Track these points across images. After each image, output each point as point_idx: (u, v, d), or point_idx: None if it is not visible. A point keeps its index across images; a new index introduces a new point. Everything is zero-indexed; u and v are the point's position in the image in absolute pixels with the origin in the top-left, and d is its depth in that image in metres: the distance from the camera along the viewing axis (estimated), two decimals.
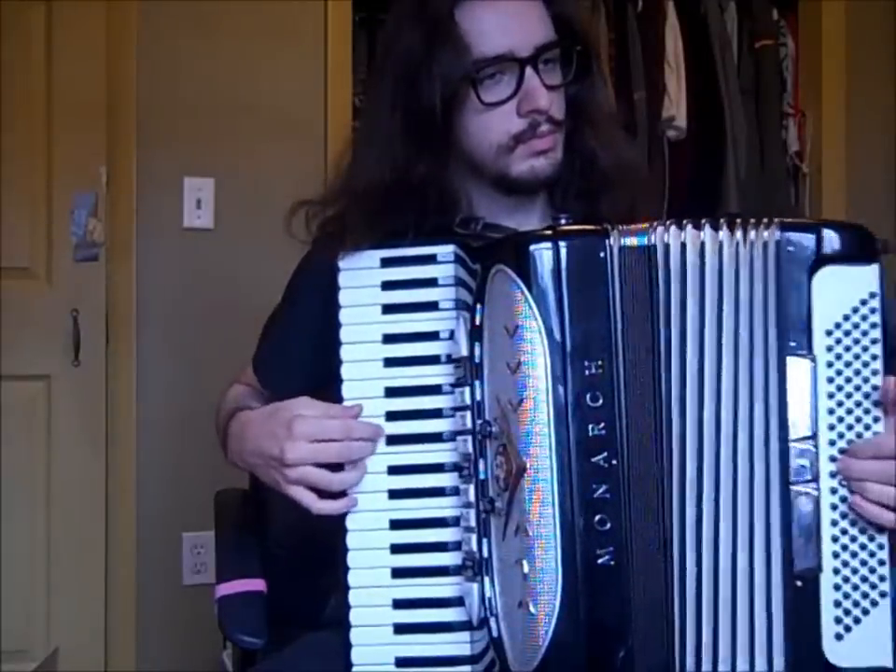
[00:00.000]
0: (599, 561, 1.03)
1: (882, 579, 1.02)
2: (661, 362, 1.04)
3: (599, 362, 1.03)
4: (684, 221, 1.05)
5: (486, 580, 1.08)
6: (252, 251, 2.57)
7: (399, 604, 1.11)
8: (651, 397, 1.04)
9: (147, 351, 2.64)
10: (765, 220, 1.04)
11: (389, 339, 1.14)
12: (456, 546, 1.11)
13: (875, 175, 3.23)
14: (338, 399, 1.14)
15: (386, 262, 1.15)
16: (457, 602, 1.10)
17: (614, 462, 1.03)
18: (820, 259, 1.03)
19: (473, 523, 1.09)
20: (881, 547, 1.02)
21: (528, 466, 1.03)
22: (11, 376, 2.52)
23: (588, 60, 1.27)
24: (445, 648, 1.10)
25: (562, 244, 1.05)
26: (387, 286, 1.14)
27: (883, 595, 1.02)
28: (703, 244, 1.04)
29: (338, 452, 1.11)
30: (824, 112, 3.20)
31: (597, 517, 1.03)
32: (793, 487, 1.02)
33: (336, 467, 1.12)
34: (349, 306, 1.14)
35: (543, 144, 1.23)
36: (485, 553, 1.08)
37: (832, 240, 1.03)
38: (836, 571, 1.02)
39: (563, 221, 1.08)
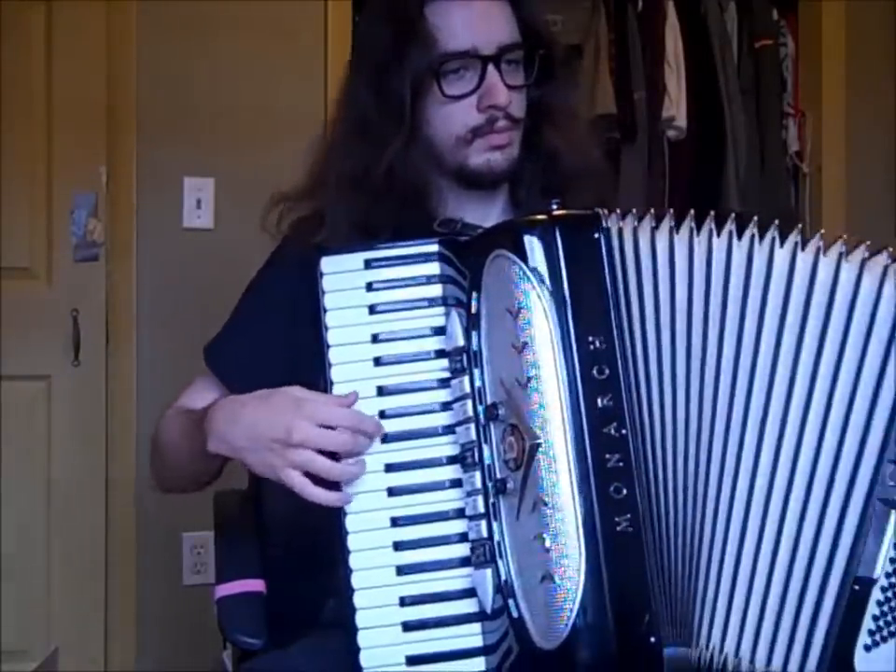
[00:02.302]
0: (618, 528, 1.05)
1: None
2: (707, 338, 1.07)
3: (602, 337, 1.07)
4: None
5: (500, 563, 1.08)
6: (252, 251, 2.56)
7: (406, 601, 1.11)
8: (668, 368, 1.07)
9: (147, 351, 2.64)
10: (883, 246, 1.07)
11: (378, 338, 1.14)
12: (461, 538, 1.11)
13: (875, 175, 3.23)
14: None
15: (370, 263, 1.16)
16: (465, 594, 1.10)
17: (623, 432, 1.06)
18: None
19: (482, 509, 1.09)
20: None
21: (542, 441, 1.05)
22: (11, 376, 2.53)
23: (551, 64, 1.33)
24: (456, 641, 1.10)
25: (558, 226, 1.09)
26: (372, 286, 1.15)
27: None
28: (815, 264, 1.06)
29: (345, 441, 1.10)
30: (824, 112, 3.20)
31: (613, 486, 1.05)
32: (877, 501, 1.04)
33: (331, 458, 1.12)
34: (335, 309, 1.15)
35: (500, 139, 1.28)
36: (497, 537, 1.09)
37: None
38: (884, 589, 1.04)
39: (554, 207, 1.12)
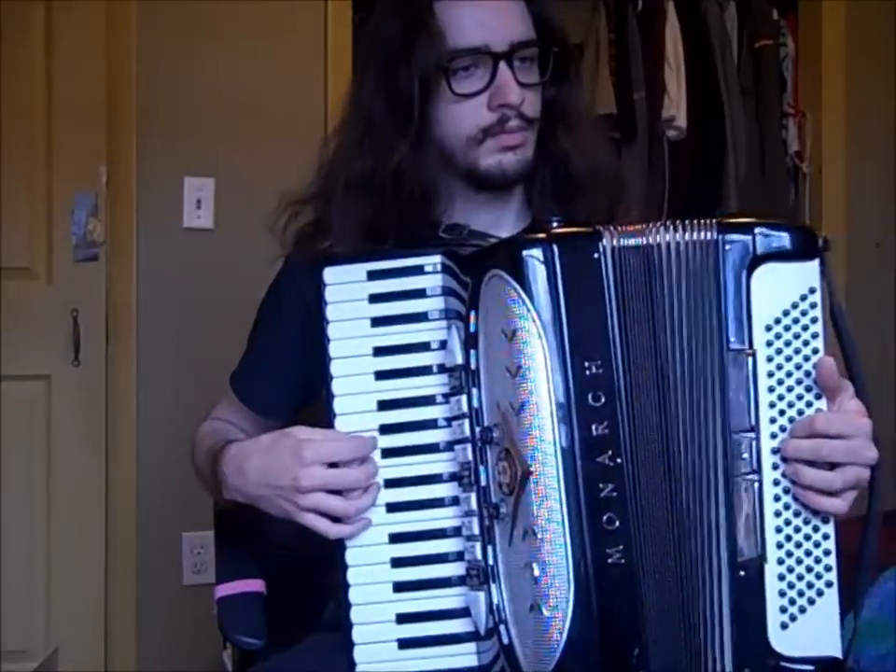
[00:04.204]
0: (610, 560, 1.03)
1: (828, 569, 1.03)
2: (654, 359, 1.05)
3: (599, 362, 1.04)
4: (627, 226, 1.07)
5: (493, 587, 1.07)
6: (252, 251, 2.56)
7: (402, 618, 1.10)
8: (648, 394, 1.05)
9: (147, 351, 2.64)
10: (704, 221, 1.06)
11: (380, 352, 1.13)
12: (458, 556, 1.10)
13: (874, 175, 3.23)
14: (329, 414, 1.14)
15: (373, 275, 1.14)
16: (462, 613, 1.09)
17: (619, 460, 1.03)
18: (759, 258, 1.04)
19: (477, 531, 1.08)
20: (826, 537, 1.04)
21: (533, 469, 1.03)
22: (11, 376, 2.52)
23: (566, 62, 1.29)
24: (452, 660, 1.10)
25: (556, 246, 1.05)
26: (375, 298, 1.14)
27: (829, 584, 1.03)
28: (648, 245, 1.06)
29: (356, 478, 1.11)
30: (824, 112, 3.20)
31: (605, 516, 1.03)
32: (736, 479, 1.03)
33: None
34: (337, 321, 1.14)
35: (512, 139, 1.24)
36: (490, 561, 1.08)
37: (768, 239, 1.05)
38: (781, 561, 1.03)
39: (554, 223, 1.08)
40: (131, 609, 2.61)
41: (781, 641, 1.03)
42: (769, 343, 1.04)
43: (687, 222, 1.06)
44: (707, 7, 3.16)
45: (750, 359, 1.04)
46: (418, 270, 1.14)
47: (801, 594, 1.03)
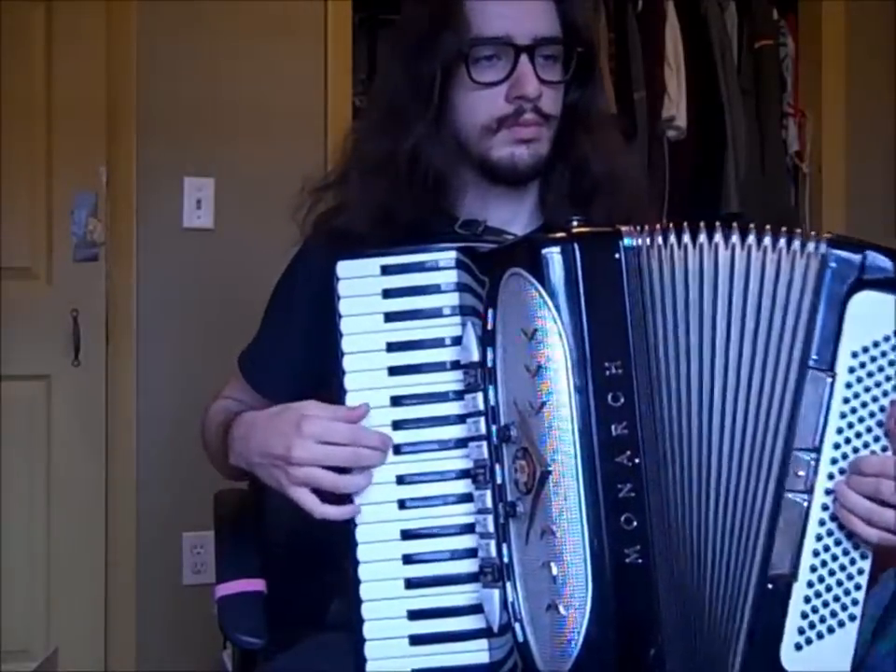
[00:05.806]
0: (627, 560, 1.03)
1: (855, 602, 1.03)
2: (681, 360, 1.06)
3: (619, 362, 1.04)
4: (716, 223, 1.06)
5: (508, 585, 1.07)
6: (252, 251, 2.56)
7: (413, 615, 1.10)
8: (670, 396, 1.06)
9: (147, 351, 2.64)
10: (813, 232, 1.05)
11: (393, 347, 1.13)
12: (470, 553, 1.10)
13: (874, 175, 3.23)
14: None
15: (387, 270, 1.14)
16: (473, 610, 1.09)
17: (637, 461, 1.03)
18: (862, 282, 1.03)
19: (491, 528, 1.08)
20: (860, 572, 1.03)
21: (552, 468, 1.03)
22: (11, 376, 2.52)
23: (590, 64, 1.30)
24: (463, 657, 1.09)
25: (577, 244, 1.05)
26: (389, 293, 1.13)
27: (852, 617, 1.03)
28: (734, 246, 1.05)
29: (346, 456, 1.11)
30: (824, 112, 3.20)
31: (623, 516, 1.03)
32: (787, 494, 1.03)
33: (341, 471, 1.12)
34: (350, 315, 1.13)
35: (526, 132, 1.25)
36: (506, 558, 1.07)
37: (877, 264, 1.04)
38: (810, 584, 1.03)
39: (574, 223, 1.08)
40: (131, 609, 2.61)
41: (793, 661, 1.03)
42: (851, 370, 1.03)
43: (798, 230, 1.05)
44: (707, 7, 3.16)
45: (829, 381, 1.03)
46: (433, 265, 1.13)
47: (822, 620, 1.03)
